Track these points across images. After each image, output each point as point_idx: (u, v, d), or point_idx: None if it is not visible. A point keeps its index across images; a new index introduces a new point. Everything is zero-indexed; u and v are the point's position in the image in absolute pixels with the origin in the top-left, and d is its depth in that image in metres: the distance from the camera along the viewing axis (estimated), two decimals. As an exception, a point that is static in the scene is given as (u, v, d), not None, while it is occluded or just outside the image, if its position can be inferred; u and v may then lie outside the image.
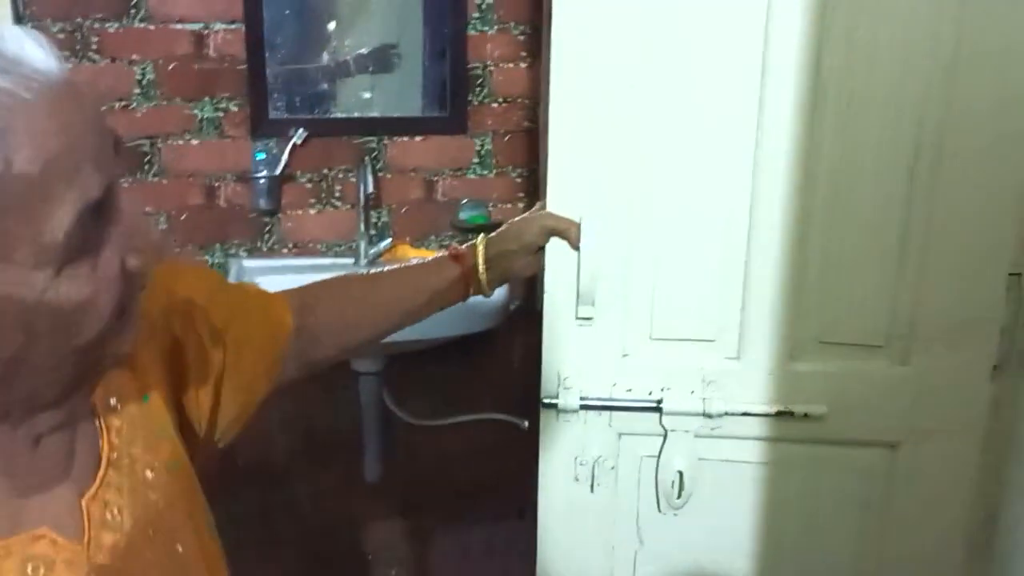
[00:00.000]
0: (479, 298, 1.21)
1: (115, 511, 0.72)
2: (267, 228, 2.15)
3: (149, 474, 0.76)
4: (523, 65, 2.19)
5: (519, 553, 1.56)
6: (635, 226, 1.31)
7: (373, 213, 2.18)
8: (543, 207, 1.29)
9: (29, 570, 0.65)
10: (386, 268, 1.21)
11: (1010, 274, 1.28)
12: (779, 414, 1.34)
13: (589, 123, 1.27)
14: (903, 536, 1.38)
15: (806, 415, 1.34)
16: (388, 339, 1.17)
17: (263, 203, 2.09)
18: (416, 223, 2.22)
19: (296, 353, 1.03)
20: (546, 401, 1.37)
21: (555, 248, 1.28)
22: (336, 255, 2.18)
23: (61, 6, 1.97)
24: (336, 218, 2.18)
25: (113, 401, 0.76)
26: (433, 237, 2.23)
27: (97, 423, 0.74)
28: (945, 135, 1.24)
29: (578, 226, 1.27)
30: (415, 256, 1.92)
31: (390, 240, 2.15)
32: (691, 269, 1.32)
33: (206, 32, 2.04)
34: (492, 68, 2.20)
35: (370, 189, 2.10)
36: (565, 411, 1.36)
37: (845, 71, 1.24)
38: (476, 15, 2.17)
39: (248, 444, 1.16)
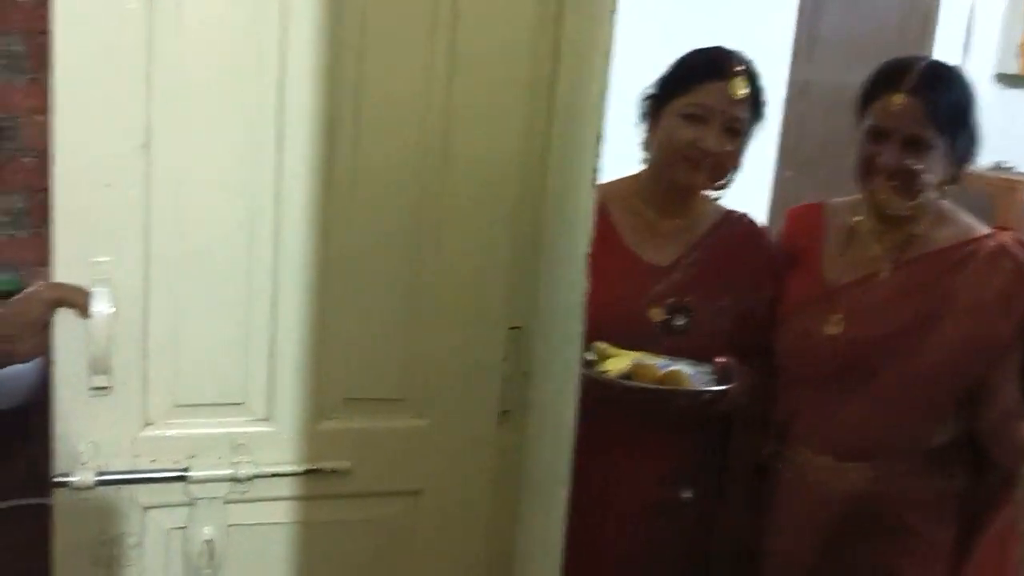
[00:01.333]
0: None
1: None
2: None
3: None
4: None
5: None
6: (151, 289, 1.26)
7: None
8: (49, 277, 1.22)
9: None
10: None
11: (511, 328, 1.41)
12: (308, 472, 1.36)
13: (94, 182, 1.21)
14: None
15: (334, 471, 1.37)
16: None
17: None
18: (-70, 289, 1.98)
19: None
20: (59, 480, 1.27)
21: (63, 316, 1.22)
22: None
23: None
24: None
25: None
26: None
27: None
28: (444, 198, 1.34)
29: (87, 293, 1.21)
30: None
31: None
32: (214, 332, 1.31)
33: None
34: (23, 120, 2.04)
35: None
36: (81, 489, 1.27)
37: (354, 141, 1.31)
38: (3, 62, 2.00)
39: None
